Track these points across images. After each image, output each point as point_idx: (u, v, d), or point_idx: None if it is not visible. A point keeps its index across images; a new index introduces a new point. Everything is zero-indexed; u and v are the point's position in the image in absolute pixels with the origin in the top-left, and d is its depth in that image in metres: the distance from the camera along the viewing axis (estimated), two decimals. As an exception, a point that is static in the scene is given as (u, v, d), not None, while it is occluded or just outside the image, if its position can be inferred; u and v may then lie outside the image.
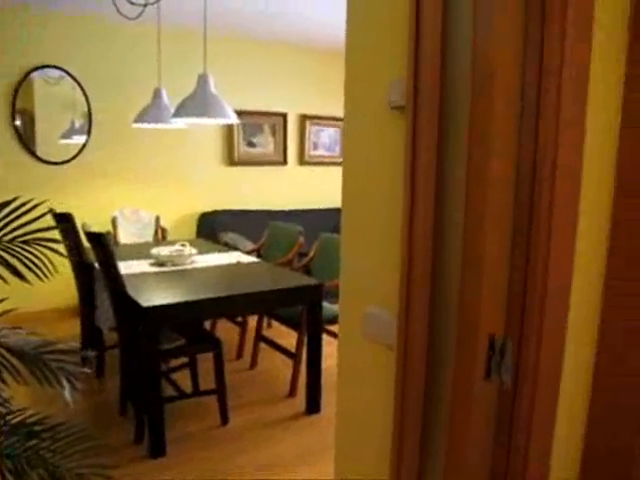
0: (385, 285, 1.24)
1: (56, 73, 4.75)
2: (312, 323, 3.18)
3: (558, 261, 0.92)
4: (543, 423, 0.99)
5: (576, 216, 0.95)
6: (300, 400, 3.36)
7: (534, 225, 0.90)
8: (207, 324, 4.34)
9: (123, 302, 2.82)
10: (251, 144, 5.85)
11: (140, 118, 3.96)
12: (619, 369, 1.02)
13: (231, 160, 5.76)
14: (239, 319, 4.24)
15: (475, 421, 0.98)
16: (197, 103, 3.24)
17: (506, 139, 0.90)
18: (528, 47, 0.90)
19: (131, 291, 2.82)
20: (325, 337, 3.31)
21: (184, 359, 3.37)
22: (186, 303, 2.76)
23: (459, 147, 1.01)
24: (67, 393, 1.39)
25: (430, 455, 1.17)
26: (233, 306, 3.04)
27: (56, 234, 3.24)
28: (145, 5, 3.32)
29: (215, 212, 5.58)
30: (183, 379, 3.34)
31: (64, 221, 3.27)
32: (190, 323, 3.28)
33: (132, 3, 3.03)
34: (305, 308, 3.25)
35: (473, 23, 0.92)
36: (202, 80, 3.28)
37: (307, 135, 6.18)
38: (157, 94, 3.92)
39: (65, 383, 1.40)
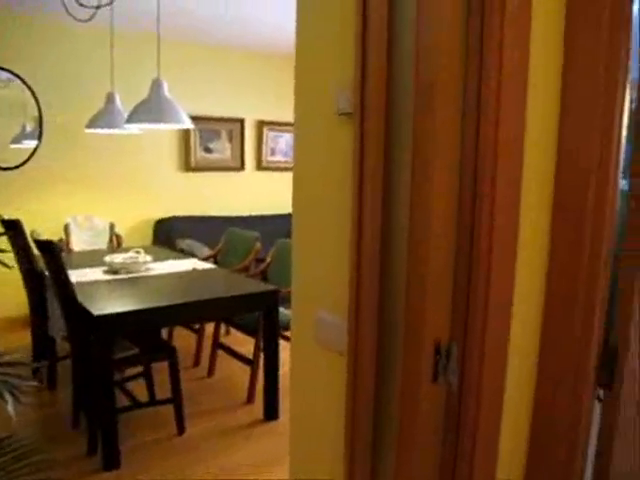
0: (335, 290, 1.25)
1: (4, 75, 4.61)
2: (268, 329, 3.17)
3: (500, 267, 0.94)
4: (488, 428, 1.01)
5: (517, 224, 0.97)
6: (258, 407, 3.33)
7: (476, 232, 0.92)
8: (164, 332, 4.28)
9: (74, 311, 2.75)
10: (208, 150, 5.81)
11: (93, 123, 3.88)
12: (557, 382, 1.05)
13: (188, 166, 5.70)
14: (196, 326, 4.20)
15: (422, 424, 0.99)
16: (151, 108, 3.20)
17: (448, 151, 0.92)
18: (469, 57, 0.93)
19: (83, 299, 2.75)
20: (282, 343, 3.30)
21: (140, 368, 3.31)
22: (139, 311, 2.72)
23: (406, 153, 1.02)
24: (10, 407, 1.35)
25: (381, 458, 1.18)
26: (188, 313, 3.00)
27: (4, 242, 3.15)
28: (97, 7, 3.27)
29: (172, 218, 5.51)
30: (139, 389, 3.27)
31: (12, 228, 3.17)
32: (145, 331, 3.22)
33: (82, 5, 2.97)
34: (261, 314, 3.24)
35: (415, 36, 0.94)
36: (156, 85, 3.24)
37: (265, 141, 6.17)
38: (110, 99, 3.85)
39: (8, 397, 1.35)
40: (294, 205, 1.40)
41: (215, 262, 4.35)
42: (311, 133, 1.32)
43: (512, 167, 0.94)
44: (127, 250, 3.89)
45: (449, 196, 0.93)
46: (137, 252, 3.64)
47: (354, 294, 1.10)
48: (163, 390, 3.24)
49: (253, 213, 6.08)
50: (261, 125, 6.11)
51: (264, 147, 6.18)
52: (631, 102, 0.99)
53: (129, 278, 3.36)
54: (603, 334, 1.04)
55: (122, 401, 3.08)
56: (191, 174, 5.74)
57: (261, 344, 3.30)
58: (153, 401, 3.25)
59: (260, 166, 6.21)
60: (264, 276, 4.00)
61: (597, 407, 1.11)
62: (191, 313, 3.00)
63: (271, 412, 3.24)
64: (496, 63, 0.90)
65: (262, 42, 5.47)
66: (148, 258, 3.60)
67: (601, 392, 1.12)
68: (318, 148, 1.29)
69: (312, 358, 1.38)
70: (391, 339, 1.11)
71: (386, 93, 1.04)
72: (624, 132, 0.98)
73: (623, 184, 1.04)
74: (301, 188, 1.37)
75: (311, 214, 1.34)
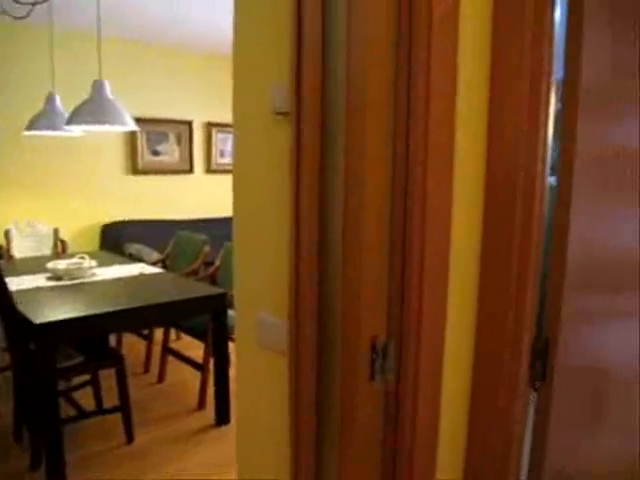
0: (276, 291, 1.24)
1: (-63, 77, 4.42)
2: (217, 333, 3.14)
3: (433, 263, 0.95)
4: (426, 427, 1.02)
5: (449, 224, 0.99)
6: (210, 412, 3.29)
7: (408, 233, 0.93)
8: (113, 339, 4.17)
9: (13, 319, 2.65)
10: (156, 153, 5.70)
11: (32, 125, 3.75)
12: (493, 378, 1.07)
13: (135, 169, 5.58)
14: (145, 332, 4.11)
15: (361, 424, 0.99)
16: (92, 109, 3.11)
17: (379, 158, 0.93)
18: (399, 58, 0.94)
19: (23, 307, 2.66)
20: (232, 346, 3.26)
21: (87, 377, 3.21)
22: (82, 318, 2.63)
23: (342, 155, 1.02)
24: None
25: (325, 457, 1.18)
26: (134, 319, 2.93)
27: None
28: (34, 4, 3.16)
29: (119, 223, 5.39)
30: (86, 398, 3.18)
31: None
32: (91, 339, 3.13)
33: (18, 2, 2.87)
34: (210, 318, 3.20)
35: (347, 46, 0.94)
36: (97, 85, 3.16)
37: (214, 142, 6.10)
38: (50, 100, 3.73)
39: None
40: (234, 207, 1.39)
41: (164, 266, 4.28)
42: (249, 133, 1.31)
43: (442, 174, 0.95)
44: (72, 256, 3.78)
45: (382, 196, 0.94)
46: (82, 258, 3.54)
47: (293, 295, 1.10)
48: (111, 398, 3.16)
49: (202, 216, 6.00)
50: (209, 127, 6.04)
51: (213, 149, 6.11)
52: (557, 101, 1.02)
53: (73, 284, 3.26)
54: (535, 329, 1.07)
55: (68, 411, 2.99)
56: (139, 177, 5.63)
57: (211, 348, 3.26)
58: (100, 410, 3.16)
59: (209, 169, 6.14)
60: (213, 279, 3.95)
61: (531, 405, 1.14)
62: (137, 318, 2.93)
63: (222, 416, 3.21)
64: (424, 69, 0.91)
65: (209, 42, 5.41)
66: (93, 263, 3.51)
67: (537, 383, 1.15)
68: (256, 148, 1.28)
69: (255, 360, 1.37)
70: (331, 339, 1.10)
71: (321, 93, 1.04)
72: (550, 129, 1.01)
73: (551, 180, 1.07)
74: (241, 189, 1.36)
75: (251, 216, 1.33)
